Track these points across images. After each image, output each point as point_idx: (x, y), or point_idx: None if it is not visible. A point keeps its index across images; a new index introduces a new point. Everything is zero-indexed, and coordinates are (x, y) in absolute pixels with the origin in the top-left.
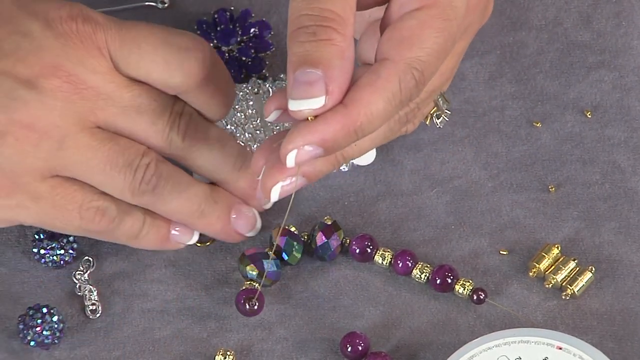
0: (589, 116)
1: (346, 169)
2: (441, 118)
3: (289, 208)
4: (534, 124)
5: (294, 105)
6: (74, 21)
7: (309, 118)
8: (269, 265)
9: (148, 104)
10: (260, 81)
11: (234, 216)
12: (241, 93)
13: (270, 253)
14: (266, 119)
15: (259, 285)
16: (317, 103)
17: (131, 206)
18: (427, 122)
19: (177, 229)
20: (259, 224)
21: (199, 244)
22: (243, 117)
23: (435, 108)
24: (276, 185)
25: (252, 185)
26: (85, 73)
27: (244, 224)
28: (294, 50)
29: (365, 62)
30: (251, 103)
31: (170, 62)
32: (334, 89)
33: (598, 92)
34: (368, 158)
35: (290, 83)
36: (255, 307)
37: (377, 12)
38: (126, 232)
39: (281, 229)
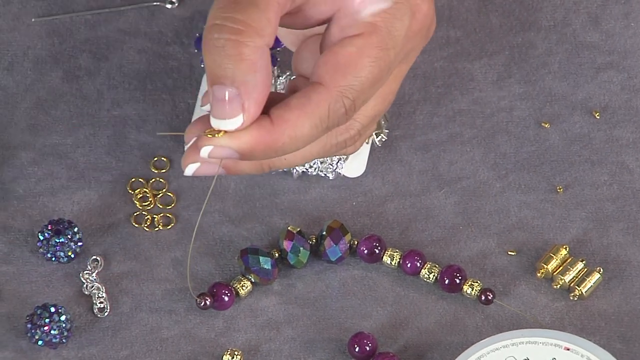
0: (598, 117)
1: (331, 178)
2: (380, 137)
3: (198, 220)
4: (542, 124)
5: (215, 123)
6: None
7: None
8: (254, 261)
9: None
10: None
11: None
12: None
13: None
14: (202, 107)
15: (249, 281)
16: (235, 123)
17: None
18: (367, 142)
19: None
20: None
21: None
22: None
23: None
24: (193, 164)
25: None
26: None
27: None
28: (207, 64)
29: (301, 74)
30: None
31: None
32: (249, 105)
33: (606, 93)
34: (357, 171)
35: (211, 97)
36: (202, 304)
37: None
38: None
39: (194, 236)
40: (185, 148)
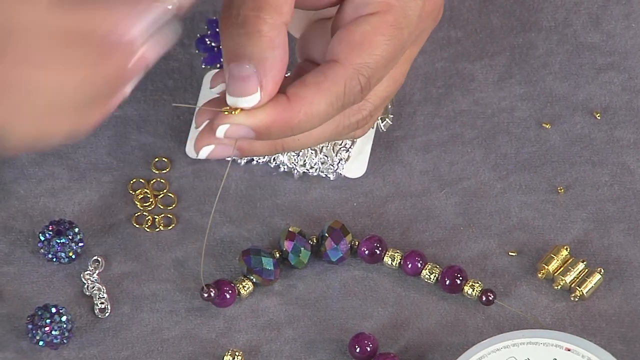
0: (598, 118)
1: (332, 178)
2: (385, 121)
3: (217, 195)
4: (543, 125)
5: (231, 101)
6: None
7: None
8: (257, 262)
9: None
10: None
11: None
12: None
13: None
14: (211, 89)
15: (250, 281)
16: (252, 101)
17: None
18: (373, 127)
19: None
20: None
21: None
22: None
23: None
24: (207, 147)
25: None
26: None
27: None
28: (225, 42)
29: (307, 58)
30: None
31: None
32: (267, 82)
33: (607, 94)
34: (358, 171)
35: (227, 75)
36: (207, 295)
37: (323, 10)
38: None
39: (208, 229)
40: (191, 130)
